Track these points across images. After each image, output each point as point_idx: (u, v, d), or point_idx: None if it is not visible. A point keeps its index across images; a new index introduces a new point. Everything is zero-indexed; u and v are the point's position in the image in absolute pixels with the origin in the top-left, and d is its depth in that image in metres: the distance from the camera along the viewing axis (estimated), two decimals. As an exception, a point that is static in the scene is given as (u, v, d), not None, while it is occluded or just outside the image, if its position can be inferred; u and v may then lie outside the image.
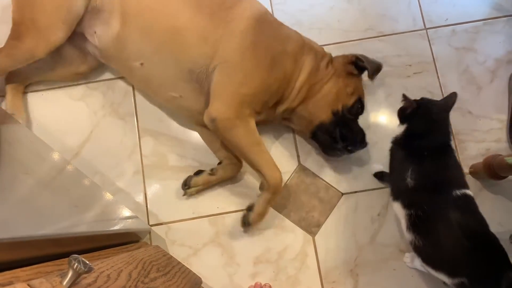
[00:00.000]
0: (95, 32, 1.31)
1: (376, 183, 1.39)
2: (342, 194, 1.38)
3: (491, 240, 1.06)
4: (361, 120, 1.37)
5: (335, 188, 1.39)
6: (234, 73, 1.20)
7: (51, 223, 0.97)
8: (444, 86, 1.46)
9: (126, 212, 1.29)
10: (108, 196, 1.31)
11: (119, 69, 1.43)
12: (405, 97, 1.22)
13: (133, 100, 1.46)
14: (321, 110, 1.29)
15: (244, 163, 1.37)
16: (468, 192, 1.11)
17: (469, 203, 1.10)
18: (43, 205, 1.08)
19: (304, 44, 1.29)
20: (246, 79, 1.20)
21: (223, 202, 1.37)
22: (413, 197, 1.13)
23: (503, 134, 1.43)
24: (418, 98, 1.44)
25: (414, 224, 1.11)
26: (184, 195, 1.36)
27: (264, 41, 1.22)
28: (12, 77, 1.43)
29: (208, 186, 1.36)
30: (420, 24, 1.54)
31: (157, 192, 1.39)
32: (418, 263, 1.23)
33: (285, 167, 1.40)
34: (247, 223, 1.29)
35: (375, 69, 1.33)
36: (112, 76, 1.48)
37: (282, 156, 1.41)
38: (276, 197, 1.27)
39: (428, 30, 1.53)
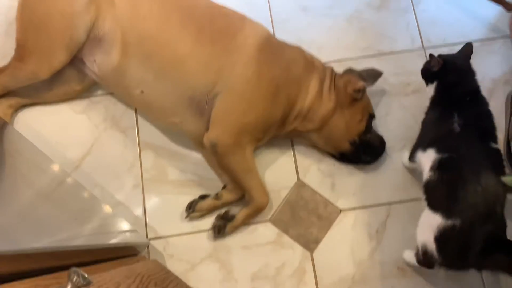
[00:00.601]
0: (94, 61, 1.32)
1: (374, 199, 1.39)
2: (341, 210, 1.39)
3: (499, 211, 1.09)
4: (360, 137, 1.39)
5: (334, 205, 1.39)
6: (236, 102, 1.22)
7: (50, 235, 0.97)
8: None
9: (125, 226, 1.29)
10: (107, 209, 1.32)
11: (118, 95, 1.45)
12: (431, 57, 1.27)
13: (134, 113, 1.48)
14: (338, 143, 1.34)
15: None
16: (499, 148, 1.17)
17: (499, 160, 1.15)
18: (42, 217, 1.09)
19: (307, 64, 1.31)
20: (248, 108, 1.22)
21: (222, 217, 1.38)
22: (454, 142, 1.17)
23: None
24: (418, 116, 1.47)
25: (442, 165, 1.14)
26: (186, 217, 1.36)
27: (268, 70, 1.23)
28: (7, 95, 1.42)
29: (212, 211, 1.35)
30: (419, 43, 1.57)
31: (156, 206, 1.39)
32: (412, 257, 1.25)
33: (284, 182, 1.41)
34: (223, 232, 1.31)
35: (376, 78, 1.38)
36: (115, 90, 1.50)
37: (281, 172, 1.42)
38: (255, 216, 1.32)
39: (426, 50, 1.55)
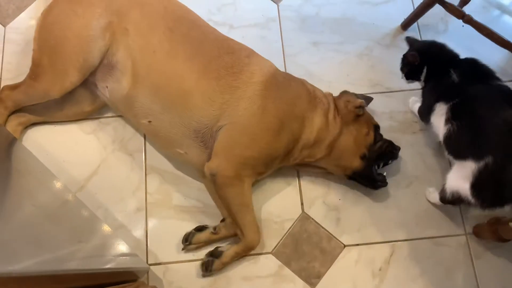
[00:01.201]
0: (106, 87, 1.35)
1: (379, 236, 1.38)
2: (345, 246, 1.37)
3: None
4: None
5: (338, 239, 1.38)
6: (239, 136, 1.24)
7: (50, 255, 0.97)
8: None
9: (125, 249, 1.28)
10: (109, 231, 1.31)
11: (127, 121, 1.47)
12: (406, 57, 1.36)
13: (143, 136, 1.49)
14: (349, 161, 1.34)
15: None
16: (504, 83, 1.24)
17: (508, 92, 1.21)
18: (45, 236, 1.08)
19: (311, 98, 1.33)
20: (251, 142, 1.23)
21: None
22: (458, 88, 1.22)
23: (507, 196, 1.44)
24: (425, 154, 1.47)
25: (455, 112, 1.19)
26: (183, 249, 1.34)
27: (273, 105, 1.25)
28: (18, 111, 1.44)
29: (209, 244, 1.34)
30: (427, 83, 1.59)
31: (158, 230, 1.38)
32: (436, 197, 1.32)
33: (288, 214, 1.40)
34: (210, 269, 1.29)
35: (368, 101, 1.47)
36: (125, 113, 1.52)
37: (285, 203, 1.42)
38: (244, 254, 1.32)
39: (434, 89, 1.57)
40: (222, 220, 1.36)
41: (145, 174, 1.44)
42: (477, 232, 1.37)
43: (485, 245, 1.37)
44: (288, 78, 1.35)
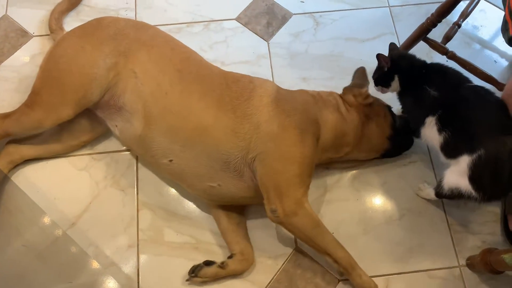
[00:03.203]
0: (116, 126, 1.37)
1: (372, 270, 1.37)
2: (339, 280, 1.36)
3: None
4: (358, 205, 1.41)
5: (332, 274, 1.37)
6: (275, 161, 1.24)
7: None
8: (438, 176, 1.50)
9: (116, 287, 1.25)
10: (100, 269, 1.29)
11: (144, 162, 1.47)
12: (379, 58, 1.39)
13: (135, 172, 1.49)
14: (379, 146, 1.43)
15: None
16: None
17: (482, 89, 1.30)
18: (33, 276, 1.06)
19: (317, 100, 1.37)
20: (288, 163, 1.24)
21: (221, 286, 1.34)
22: (439, 100, 1.29)
23: (498, 228, 1.45)
24: (415, 186, 1.49)
25: (443, 120, 1.27)
26: (187, 280, 1.32)
27: (289, 119, 1.27)
28: (11, 148, 1.44)
29: (215, 279, 1.32)
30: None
31: (150, 267, 1.36)
32: (431, 192, 1.39)
33: (281, 250, 1.39)
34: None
35: (365, 75, 1.53)
36: (119, 148, 1.52)
37: (278, 238, 1.41)
38: (359, 269, 1.29)
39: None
40: (230, 257, 1.33)
41: (137, 210, 1.43)
42: (471, 264, 1.37)
43: (479, 277, 1.37)
44: (289, 91, 1.41)
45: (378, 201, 1.48)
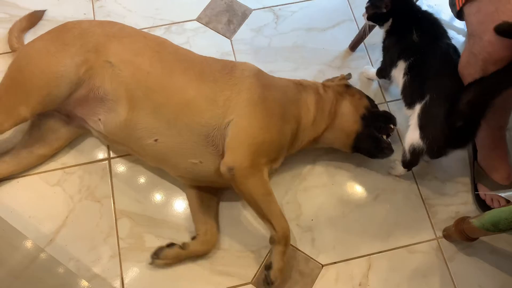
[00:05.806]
0: (99, 119, 1.36)
1: (354, 252, 1.40)
2: (323, 265, 1.38)
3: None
4: (334, 190, 1.42)
5: (315, 260, 1.39)
6: (248, 125, 1.27)
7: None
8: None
9: (102, 300, 1.24)
10: (84, 283, 1.27)
11: (127, 149, 1.45)
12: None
13: (110, 182, 1.47)
14: (352, 123, 1.42)
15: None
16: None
17: (451, 47, 1.33)
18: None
19: (297, 85, 1.43)
20: (260, 129, 1.27)
21: (208, 283, 1.34)
22: (416, 47, 1.34)
23: (470, 197, 1.50)
24: (386, 166, 1.52)
25: (411, 67, 1.33)
26: (150, 263, 1.33)
27: (269, 94, 1.32)
28: None
29: (177, 261, 1.34)
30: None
31: (134, 276, 1.35)
32: (400, 167, 1.42)
33: (264, 241, 1.40)
34: (270, 282, 1.27)
35: (348, 78, 1.58)
36: (91, 159, 1.51)
37: (260, 230, 1.42)
38: (288, 249, 1.29)
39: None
40: (193, 238, 1.35)
41: (115, 220, 1.42)
42: (447, 235, 1.42)
43: (456, 246, 1.42)
44: (270, 75, 1.45)
45: (353, 184, 1.51)
